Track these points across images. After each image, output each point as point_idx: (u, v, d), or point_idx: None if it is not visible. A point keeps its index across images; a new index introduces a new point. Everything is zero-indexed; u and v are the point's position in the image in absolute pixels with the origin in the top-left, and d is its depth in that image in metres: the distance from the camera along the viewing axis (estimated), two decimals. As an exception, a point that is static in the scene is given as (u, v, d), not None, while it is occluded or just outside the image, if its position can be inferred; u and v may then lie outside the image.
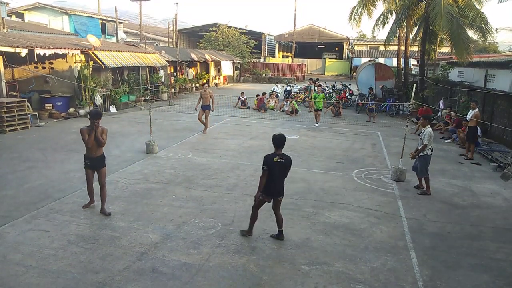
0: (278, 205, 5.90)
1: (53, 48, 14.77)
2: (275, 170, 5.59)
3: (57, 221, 6.39)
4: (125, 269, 5.08)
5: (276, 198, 5.84)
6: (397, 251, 5.84)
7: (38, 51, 14.00)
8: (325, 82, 28.48)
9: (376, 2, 21.04)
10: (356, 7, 21.36)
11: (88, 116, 6.61)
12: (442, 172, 10.01)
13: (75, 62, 16.44)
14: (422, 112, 16.32)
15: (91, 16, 34.10)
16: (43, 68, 16.92)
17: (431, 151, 8.35)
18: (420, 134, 8.52)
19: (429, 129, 8.21)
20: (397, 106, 19.95)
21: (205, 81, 30.51)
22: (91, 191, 6.93)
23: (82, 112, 16.19)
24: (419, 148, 8.28)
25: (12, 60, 14.30)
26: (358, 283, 4.99)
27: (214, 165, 9.81)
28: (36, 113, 14.84)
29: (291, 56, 49.89)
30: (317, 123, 15.87)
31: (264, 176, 5.59)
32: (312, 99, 16.59)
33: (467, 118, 11.77)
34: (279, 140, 5.64)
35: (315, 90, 18.19)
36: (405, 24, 20.03)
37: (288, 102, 19.73)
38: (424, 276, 5.20)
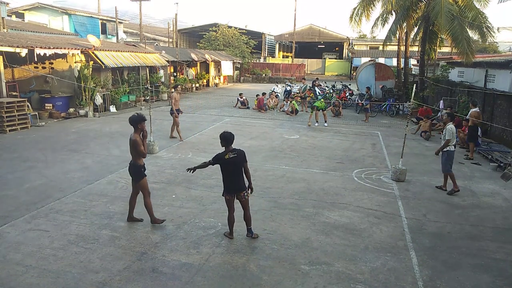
0: (245, 204, 5.83)
1: (53, 48, 14.77)
2: (229, 166, 5.69)
3: (57, 221, 6.39)
4: (125, 269, 5.09)
5: (239, 194, 5.76)
6: (397, 251, 5.84)
7: (38, 51, 14.00)
8: (325, 82, 28.49)
9: (376, 2, 21.04)
10: (357, 8, 21.37)
11: (136, 122, 5.95)
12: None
13: (75, 62, 16.44)
14: (422, 112, 16.36)
15: (91, 16, 34.12)
16: (43, 68, 16.93)
17: (454, 147, 8.51)
18: (443, 131, 8.69)
19: (450, 125, 8.44)
20: (397, 106, 19.95)
21: (201, 81, 30.44)
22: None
23: (82, 112, 16.19)
24: (443, 144, 8.50)
25: (12, 60, 14.31)
26: (358, 283, 4.99)
27: (214, 165, 9.78)
28: (36, 113, 14.85)
29: (291, 56, 49.90)
30: (326, 123, 16.01)
31: (205, 163, 5.89)
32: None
33: (467, 118, 11.82)
34: (227, 138, 5.73)
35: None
36: (405, 24, 20.02)
37: (288, 102, 19.74)
38: (424, 276, 5.20)
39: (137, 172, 6.17)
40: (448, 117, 8.72)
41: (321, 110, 15.95)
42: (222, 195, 5.92)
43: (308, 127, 15.62)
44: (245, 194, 5.79)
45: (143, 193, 6.27)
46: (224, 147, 5.79)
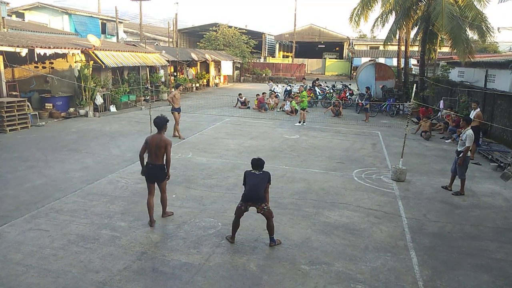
0: (267, 215, 5.71)
1: (53, 47, 14.77)
2: (252, 178, 5.74)
3: (57, 220, 6.39)
4: (125, 268, 5.09)
5: (257, 206, 5.64)
6: (397, 251, 5.84)
7: (38, 50, 14.00)
8: (325, 82, 28.48)
9: (375, 3, 21.04)
10: (357, 9, 21.37)
11: (163, 125, 6.41)
12: (442, 172, 10.02)
13: (75, 62, 16.44)
14: (423, 112, 16.35)
15: (91, 16, 34.13)
16: (43, 67, 16.92)
17: (470, 152, 8.49)
18: (461, 136, 8.52)
19: (469, 130, 8.30)
20: (397, 106, 19.95)
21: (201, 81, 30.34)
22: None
23: (82, 111, 16.19)
24: (459, 149, 8.39)
25: (12, 59, 14.30)
26: (358, 283, 4.99)
27: (214, 165, 9.81)
28: (36, 113, 14.85)
29: (291, 56, 49.88)
30: (304, 122, 16.04)
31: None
32: (301, 98, 16.57)
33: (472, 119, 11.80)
34: (254, 164, 5.84)
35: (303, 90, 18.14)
36: (404, 24, 19.99)
37: (288, 102, 19.74)
38: (424, 276, 5.20)
39: (163, 172, 6.34)
40: (465, 121, 8.62)
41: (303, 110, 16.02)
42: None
43: (307, 127, 15.62)
44: (265, 207, 5.65)
45: (164, 190, 6.47)
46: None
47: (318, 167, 10.03)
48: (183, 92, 26.41)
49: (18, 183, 8.05)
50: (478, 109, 11.60)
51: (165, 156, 6.29)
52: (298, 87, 24.73)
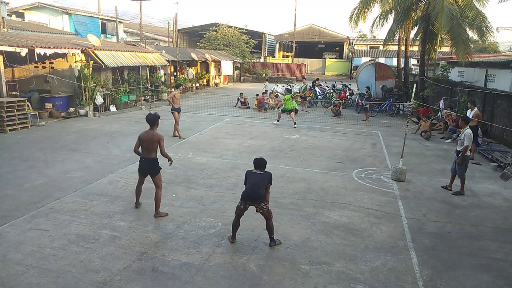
0: (266, 215, 5.70)
1: (53, 47, 14.77)
2: (252, 177, 5.77)
3: (57, 220, 6.39)
4: (125, 268, 5.09)
5: (256, 205, 5.64)
6: (397, 251, 5.84)
7: (38, 50, 14.00)
8: (325, 82, 28.48)
9: (376, 3, 21.03)
10: (357, 8, 21.37)
11: (154, 120, 6.67)
12: (442, 172, 10.02)
13: (75, 62, 16.44)
14: (424, 111, 16.35)
15: (91, 16, 34.16)
16: (43, 67, 16.92)
17: (469, 152, 8.49)
18: (460, 135, 8.54)
19: (468, 130, 8.29)
20: (397, 106, 19.95)
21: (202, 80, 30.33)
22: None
23: (82, 111, 16.19)
24: (458, 149, 8.42)
25: (12, 59, 14.30)
26: (358, 283, 4.99)
27: (214, 165, 9.81)
28: (36, 113, 14.84)
29: (291, 56, 49.89)
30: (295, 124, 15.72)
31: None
32: (283, 101, 16.29)
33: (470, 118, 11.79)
34: (257, 163, 5.86)
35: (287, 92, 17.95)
36: (404, 24, 19.98)
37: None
38: (424, 276, 5.20)
39: (157, 166, 6.64)
40: (463, 121, 8.68)
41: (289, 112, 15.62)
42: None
43: (307, 127, 15.62)
44: (264, 206, 5.64)
45: (158, 185, 6.66)
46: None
47: (318, 167, 10.03)
48: (183, 92, 26.44)
49: (18, 183, 8.05)
50: (476, 109, 11.60)
51: (159, 151, 6.58)
52: (299, 87, 24.73)
